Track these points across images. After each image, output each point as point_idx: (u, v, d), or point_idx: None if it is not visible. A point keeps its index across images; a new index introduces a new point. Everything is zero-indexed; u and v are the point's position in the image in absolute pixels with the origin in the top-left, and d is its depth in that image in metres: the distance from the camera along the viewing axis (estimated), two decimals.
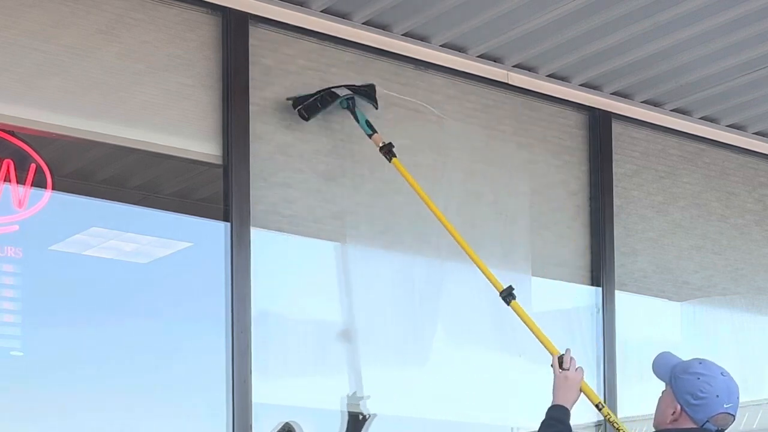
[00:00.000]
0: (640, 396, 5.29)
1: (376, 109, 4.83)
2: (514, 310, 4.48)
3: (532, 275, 5.43)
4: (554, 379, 4.08)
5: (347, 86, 4.77)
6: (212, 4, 4.57)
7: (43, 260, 4.24)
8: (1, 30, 4.15)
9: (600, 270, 5.59)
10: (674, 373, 3.75)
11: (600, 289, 5.59)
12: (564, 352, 4.14)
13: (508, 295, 4.51)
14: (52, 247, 4.28)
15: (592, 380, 5.56)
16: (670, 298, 5.94)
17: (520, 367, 5.37)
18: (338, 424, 4.89)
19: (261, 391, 4.55)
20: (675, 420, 3.71)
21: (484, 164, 5.32)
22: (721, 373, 3.74)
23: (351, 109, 4.74)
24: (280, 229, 4.72)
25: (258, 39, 4.69)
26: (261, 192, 4.65)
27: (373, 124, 4.80)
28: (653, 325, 5.92)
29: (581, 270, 5.59)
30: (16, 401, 4.14)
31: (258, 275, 4.58)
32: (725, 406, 3.69)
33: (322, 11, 4.80)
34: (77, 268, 4.35)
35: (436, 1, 4.74)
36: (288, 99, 4.70)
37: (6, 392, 4.12)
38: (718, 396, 3.68)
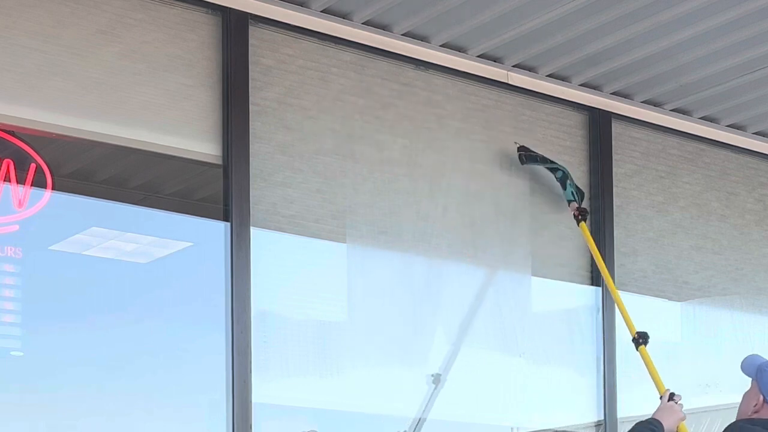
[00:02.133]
0: (640, 396, 5.29)
1: (578, 202, 5.31)
2: (641, 356, 4.89)
3: (532, 275, 5.43)
4: (661, 404, 4.49)
5: (565, 174, 5.29)
6: (212, 4, 4.57)
7: (43, 260, 4.24)
8: (1, 30, 4.15)
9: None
10: (760, 369, 4.11)
11: (600, 289, 5.59)
12: (673, 392, 4.54)
13: (641, 338, 4.94)
14: (52, 247, 4.28)
15: (592, 380, 5.57)
16: (670, 298, 5.94)
17: (520, 367, 5.37)
18: (338, 424, 4.89)
19: (261, 391, 4.55)
20: (757, 411, 4.04)
21: (484, 164, 5.32)
22: None
23: (562, 181, 5.29)
24: (280, 229, 4.72)
25: (258, 39, 4.69)
26: (261, 192, 4.65)
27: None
28: (653, 325, 5.91)
29: (581, 270, 5.59)
30: (16, 401, 4.14)
31: (258, 275, 4.58)
32: None
33: (322, 11, 4.80)
34: (77, 268, 4.35)
35: (436, 1, 4.74)
36: (516, 143, 5.28)
37: (6, 392, 4.12)
38: None
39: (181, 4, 4.52)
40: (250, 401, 4.50)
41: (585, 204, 5.60)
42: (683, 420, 4.43)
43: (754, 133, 6.17)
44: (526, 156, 5.26)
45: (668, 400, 4.48)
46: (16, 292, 4.15)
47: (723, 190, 6.16)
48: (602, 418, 5.55)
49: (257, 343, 4.56)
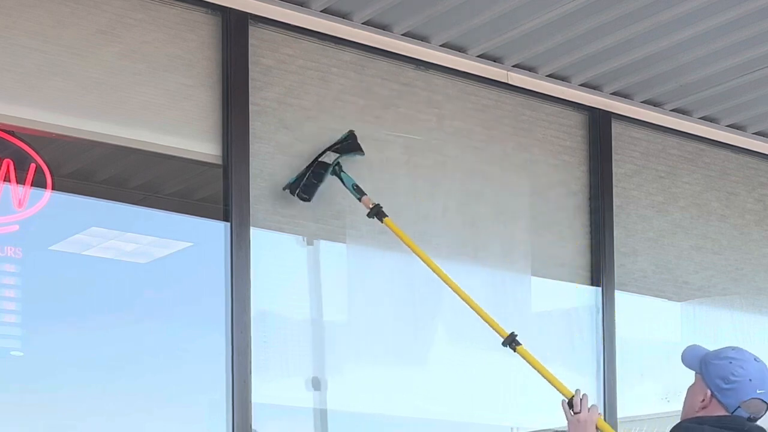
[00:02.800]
0: (640, 396, 5.30)
1: (363, 155, 4.77)
2: (522, 356, 4.47)
3: (532, 275, 5.43)
4: (568, 424, 4.00)
5: (330, 149, 4.69)
6: (212, 4, 4.57)
7: (43, 260, 4.24)
8: (1, 30, 4.15)
9: (600, 270, 5.59)
10: (704, 360, 3.72)
11: (600, 289, 5.59)
12: (574, 393, 4.06)
13: (512, 341, 4.52)
14: (52, 247, 4.28)
15: (592, 380, 5.56)
16: (670, 298, 5.94)
17: (520, 367, 5.37)
18: (338, 424, 4.89)
19: (261, 391, 4.55)
20: (704, 407, 3.64)
21: (484, 164, 5.32)
22: (755, 359, 3.67)
23: (338, 174, 4.67)
24: (280, 229, 4.72)
25: (258, 39, 4.69)
26: (261, 192, 4.65)
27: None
28: (653, 325, 5.92)
29: (581, 270, 5.59)
30: (16, 401, 4.14)
31: (258, 275, 4.58)
32: (758, 391, 3.60)
33: (322, 11, 4.80)
34: (77, 268, 4.35)
35: (436, 1, 4.74)
36: (283, 189, 4.65)
37: (6, 392, 4.12)
38: (750, 380, 3.60)
39: (181, 4, 4.52)
40: (250, 401, 4.50)
41: (585, 204, 5.60)
42: (598, 418, 3.97)
43: (754, 133, 6.17)
44: (304, 189, 4.64)
45: (573, 414, 3.97)
46: (16, 292, 4.15)
47: (723, 190, 6.16)
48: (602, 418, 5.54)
49: (257, 343, 4.56)
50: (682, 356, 3.82)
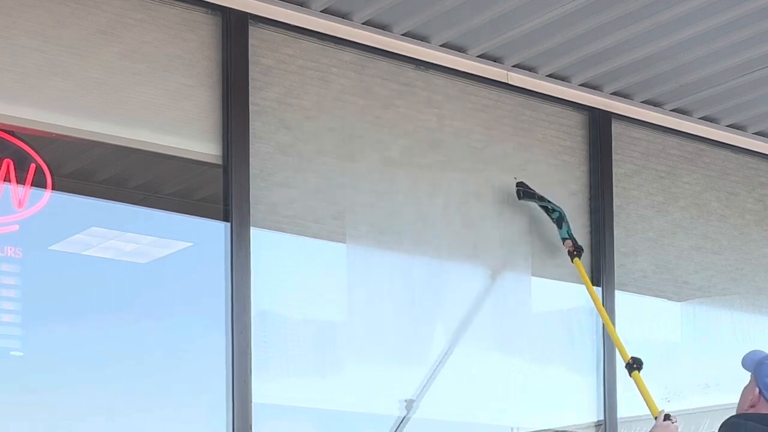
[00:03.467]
0: (640, 396, 5.29)
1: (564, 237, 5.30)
2: (635, 381, 4.89)
3: (532, 275, 5.43)
4: (656, 424, 4.42)
5: (562, 213, 5.30)
6: (212, 4, 4.57)
7: (43, 260, 4.24)
8: (1, 30, 4.15)
9: (600, 270, 5.59)
10: (760, 361, 3.94)
11: (600, 289, 5.58)
12: (669, 413, 4.47)
13: (632, 365, 4.93)
14: (52, 247, 4.28)
15: (592, 380, 5.57)
16: (670, 298, 5.94)
17: (520, 367, 5.37)
18: (338, 424, 4.89)
19: (261, 391, 4.55)
20: (753, 405, 3.87)
21: (484, 164, 5.32)
22: None
23: (558, 221, 5.30)
24: (280, 229, 4.72)
25: (258, 39, 4.69)
26: (261, 192, 4.65)
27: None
28: (653, 325, 5.92)
29: None
30: (16, 401, 4.14)
31: (258, 275, 4.58)
32: None
33: (322, 11, 4.80)
34: (77, 268, 4.35)
35: (436, 1, 4.74)
36: (515, 178, 5.29)
37: (6, 392, 4.12)
38: None
39: (181, 4, 4.52)
40: (250, 401, 4.50)
41: (585, 204, 5.61)
42: None
43: (754, 133, 6.17)
44: (524, 192, 5.29)
45: (663, 420, 4.44)
46: (16, 292, 4.15)
47: (723, 190, 6.16)
48: (602, 418, 5.55)
49: (257, 343, 4.56)
50: (742, 360, 4.05)
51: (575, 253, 5.27)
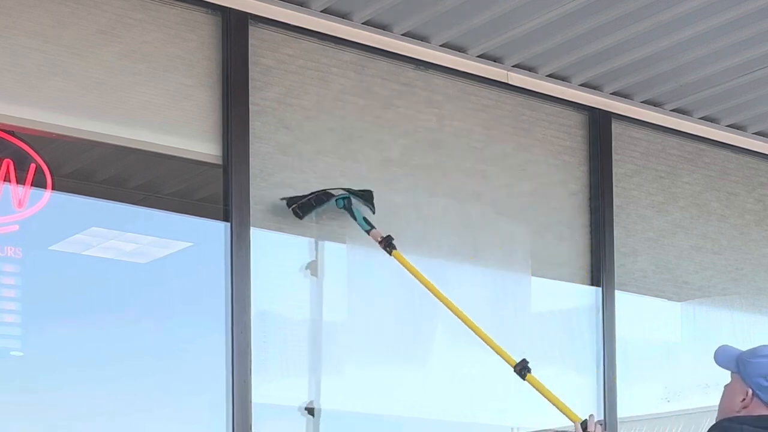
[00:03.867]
0: (640, 396, 5.30)
1: (374, 213, 4.79)
2: (531, 384, 4.49)
3: (532, 275, 5.43)
4: None
5: (342, 188, 4.75)
6: (212, 4, 4.57)
7: (43, 260, 4.24)
8: (1, 30, 4.15)
9: (600, 270, 5.59)
10: (741, 360, 3.69)
11: (600, 289, 5.59)
12: (588, 418, 4.16)
13: (522, 369, 4.52)
14: (52, 247, 4.28)
15: (592, 380, 5.57)
16: (670, 298, 5.94)
17: None
18: (338, 424, 4.89)
19: (261, 391, 4.55)
20: (745, 407, 3.62)
21: (484, 164, 5.32)
22: None
23: (347, 207, 4.70)
24: (280, 229, 4.72)
25: (258, 39, 4.69)
26: (261, 192, 4.65)
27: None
28: (653, 325, 5.92)
29: (581, 270, 5.59)
30: (16, 401, 4.14)
31: (258, 275, 4.58)
32: None
33: (322, 11, 4.80)
34: (77, 268, 4.35)
35: (436, 1, 4.74)
36: (282, 199, 4.68)
37: (6, 392, 4.12)
38: None
39: (181, 4, 4.52)
40: (250, 401, 4.50)
41: (585, 204, 5.60)
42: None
43: (754, 133, 6.17)
44: (300, 207, 4.66)
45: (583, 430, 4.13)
46: (16, 292, 4.15)
47: (723, 190, 6.16)
48: (602, 418, 5.54)
49: (257, 343, 4.56)
50: (714, 356, 3.81)
51: (386, 246, 4.67)
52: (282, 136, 4.74)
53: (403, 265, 4.66)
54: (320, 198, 4.67)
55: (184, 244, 4.62)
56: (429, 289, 4.65)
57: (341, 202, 4.69)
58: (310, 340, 4.83)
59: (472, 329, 4.59)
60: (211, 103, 4.59)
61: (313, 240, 4.80)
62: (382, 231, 4.69)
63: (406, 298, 5.05)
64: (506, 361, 4.52)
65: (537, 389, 4.46)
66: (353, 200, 4.71)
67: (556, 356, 5.51)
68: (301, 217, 4.67)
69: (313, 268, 4.86)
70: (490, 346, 4.55)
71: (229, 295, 4.51)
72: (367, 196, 4.78)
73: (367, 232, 4.69)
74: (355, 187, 4.83)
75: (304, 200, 4.65)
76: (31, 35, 4.21)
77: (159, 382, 4.45)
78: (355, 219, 4.70)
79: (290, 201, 4.66)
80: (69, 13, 4.29)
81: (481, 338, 4.57)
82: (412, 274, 4.67)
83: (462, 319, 4.60)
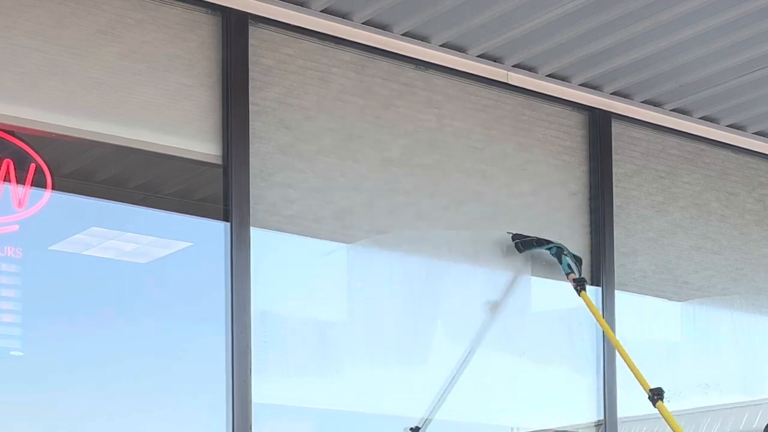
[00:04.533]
0: (640, 396, 5.29)
1: (579, 276, 5.30)
2: (660, 411, 4.86)
3: (532, 275, 5.43)
4: None
5: (561, 246, 5.32)
6: (212, 4, 4.57)
7: (43, 260, 4.24)
8: (1, 30, 4.15)
9: (600, 270, 5.59)
10: None
11: (600, 289, 5.59)
12: None
13: (656, 395, 4.88)
14: (52, 247, 4.28)
15: (592, 380, 5.57)
16: (670, 298, 5.94)
17: (520, 367, 5.37)
18: (338, 424, 4.89)
19: (261, 391, 4.55)
20: None
21: (484, 164, 5.32)
22: None
23: (558, 255, 5.29)
24: (280, 229, 4.72)
25: (258, 39, 4.69)
26: (261, 192, 4.65)
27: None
28: (653, 325, 5.92)
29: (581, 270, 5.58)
30: (16, 401, 4.14)
31: (258, 275, 4.58)
32: None
33: (322, 11, 4.80)
34: (77, 268, 4.35)
35: (436, 1, 4.74)
36: (508, 232, 5.26)
37: (6, 392, 4.12)
38: None
39: (181, 4, 4.52)
40: (250, 401, 4.50)
41: (585, 204, 5.61)
42: None
43: (754, 133, 6.17)
44: (522, 243, 5.28)
45: None
46: (16, 292, 4.15)
47: (723, 190, 6.16)
48: (602, 418, 5.55)
49: (257, 343, 4.56)
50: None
51: (579, 287, 5.24)
52: (282, 136, 4.74)
53: (588, 308, 5.23)
54: (541, 241, 5.31)
55: (184, 244, 4.62)
56: (606, 332, 5.25)
57: (554, 250, 5.30)
58: (310, 340, 4.83)
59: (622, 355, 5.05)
60: (211, 103, 4.59)
61: (313, 240, 4.79)
62: (575, 274, 5.29)
63: (406, 298, 5.05)
64: (642, 385, 4.96)
65: (664, 417, 4.79)
66: (565, 251, 5.31)
67: (556, 356, 5.51)
68: (521, 251, 5.28)
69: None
70: (633, 371, 5.00)
71: (229, 295, 4.51)
72: (578, 261, 5.38)
73: (566, 275, 5.28)
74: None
75: (528, 239, 5.29)
76: (31, 35, 4.21)
77: (159, 382, 4.45)
78: (560, 263, 5.29)
79: (515, 236, 5.28)
80: (69, 13, 4.29)
81: (627, 364, 5.04)
82: (595, 317, 5.25)
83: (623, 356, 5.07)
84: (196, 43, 4.56)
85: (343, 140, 4.91)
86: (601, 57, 5.26)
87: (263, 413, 4.56)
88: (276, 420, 4.70)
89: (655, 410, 5.01)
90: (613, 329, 5.59)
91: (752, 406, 6.26)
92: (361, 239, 4.92)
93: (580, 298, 5.21)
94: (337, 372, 4.90)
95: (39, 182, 4.17)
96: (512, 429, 5.38)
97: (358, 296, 4.93)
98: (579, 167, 5.63)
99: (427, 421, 5.07)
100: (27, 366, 4.18)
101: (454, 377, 5.16)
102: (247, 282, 4.54)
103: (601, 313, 5.44)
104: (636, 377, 4.91)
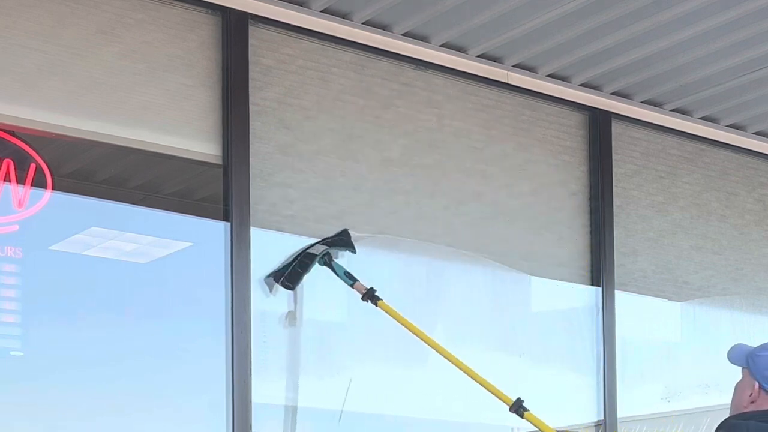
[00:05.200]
0: (640, 396, 5.30)
1: (354, 253, 4.78)
2: (530, 421, 4.51)
3: (532, 275, 5.43)
4: None
5: (321, 241, 4.71)
6: (212, 4, 4.57)
7: (43, 260, 4.24)
8: (1, 30, 4.15)
9: (600, 270, 5.59)
10: (751, 354, 3.68)
11: (600, 289, 5.59)
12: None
13: (519, 407, 4.54)
14: (52, 247, 4.28)
15: (592, 380, 5.57)
16: (670, 298, 5.94)
17: (520, 367, 5.37)
18: (339, 424, 4.89)
19: (261, 391, 4.55)
20: (753, 401, 3.59)
21: (484, 164, 5.32)
22: None
23: (329, 264, 4.67)
24: (280, 229, 4.72)
25: (258, 39, 4.69)
26: (261, 192, 4.65)
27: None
28: (653, 325, 5.92)
29: (581, 270, 5.59)
30: (16, 401, 4.14)
31: (258, 275, 4.58)
32: None
33: (322, 11, 4.80)
34: (77, 268, 4.35)
35: (436, 1, 4.74)
36: (267, 277, 4.62)
37: (6, 392, 4.12)
38: None
39: (181, 4, 4.52)
40: (250, 401, 4.50)
41: (585, 204, 5.61)
42: None
43: (754, 133, 6.17)
44: (287, 278, 4.62)
45: None
46: (16, 292, 4.15)
47: (723, 190, 6.16)
48: (602, 418, 5.55)
49: (257, 343, 4.56)
50: (728, 354, 3.77)
51: (369, 298, 4.66)
52: (282, 136, 4.74)
53: (390, 315, 4.64)
54: (304, 263, 4.63)
55: (184, 244, 4.62)
56: (417, 335, 4.64)
57: (322, 261, 4.66)
58: (310, 340, 4.83)
59: (465, 371, 4.61)
60: (211, 103, 4.59)
61: (313, 240, 4.79)
62: (364, 283, 4.68)
63: (406, 298, 5.05)
64: (502, 400, 4.56)
65: (537, 426, 4.48)
66: (332, 252, 4.68)
67: (556, 356, 5.51)
68: (292, 288, 4.66)
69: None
70: (485, 387, 4.58)
71: (229, 295, 4.51)
72: (344, 240, 4.75)
73: (351, 286, 4.66)
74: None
75: (289, 270, 4.61)
76: (31, 35, 4.21)
77: (159, 382, 4.45)
78: (337, 275, 4.67)
79: (276, 275, 4.62)
80: (69, 13, 4.29)
81: (475, 380, 4.59)
82: (401, 322, 4.65)
83: (455, 363, 4.62)
84: (196, 43, 4.56)
85: (343, 140, 4.91)
86: (601, 57, 5.26)
87: (263, 413, 4.56)
88: (276, 420, 4.70)
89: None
90: (613, 329, 5.59)
91: None
92: (361, 239, 4.91)
93: (380, 308, 4.67)
94: (337, 372, 4.90)
95: (39, 182, 4.18)
96: (512, 429, 5.38)
97: (358, 296, 4.93)
98: (579, 167, 5.63)
99: (426, 421, 5.07)
100: (27, 366, 4.18)
101: (452, 377, 5.16)
102: (247, 282, 4.54)
103: (601, 317, 5.43)
104: (492, 392, 4.62)
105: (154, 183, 4.59)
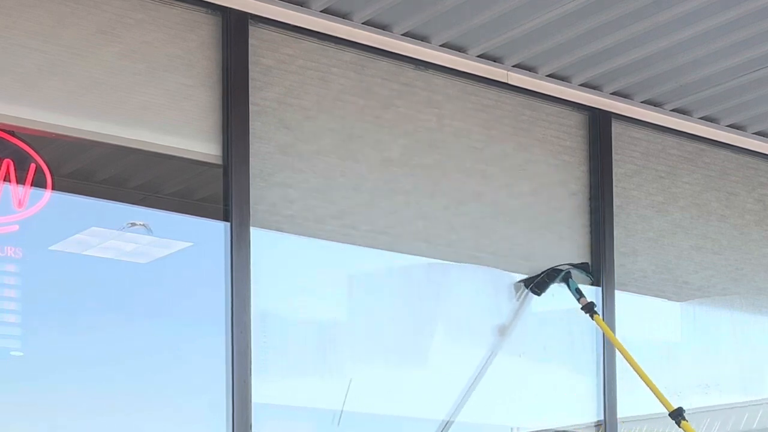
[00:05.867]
0: (640, 396, 5.29)
1: (591, 283, 5.50)
2: (685, 431, 5.00)
3: (532, 275, 5.43)
4: None
5: (568, 264, 5.41)
6: (212, 4, 4.57)
7: (43, 260, 4.24)
8: (1, 30, 4.15)
9: (600, 270, 5.59)
10: None
11: (600, 289, 5.59)
12: None
13: (678, 416, 5.02)
14: (52, 247, 4.28)
15: (592, 380, 5.56)
16: (670, 298, 5.94)
17: (520, 367, 5.37)
18: (339, 424, 4.89)
19: (261, 391, 4.55)
20: None
21: (484, 164, 5.32)
22: None
23: (566, 281, 5.35)
24: (280, 229, 4.72)
25: (258, 39, 4.69)
26: (261, 192, 4.65)
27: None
28: (653, 325, 5.92)
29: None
30: (16, 401, 4.14)
31: (258, 275, 4.58)
32: None
33: (322, 11, 4.80)
34: (77, 268, 4.35)
35: (436, 1, 4.74)
36: (519, 281, 5.33)
37: (6, 392, 4.12)
38: None
39: (181, 4, 4.52)
40: (250, 401, 4.50)
41: (585, 204, 5.61)
42: None
43: (754, 133, 6.17)
44: (537, 285, 5.35)
45: None
46: (16, 292, 4.15)
47: (723, 190, 6.16)
48: (602, 418, 5.55)
49: (257, 343, 4.56)
50: None
51: (588, 312, 5.29)
52: (282, 136, 4.74)
53: (602, 329, 5.35)
54: (551, 275, 5.35)
55: (184, 244, 4.62)
56: (622, 353, 5.25)
57: (562, 277, 5.36)
58: (311, 340, 4.83)
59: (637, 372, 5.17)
60: (211, 103, 4.59)
61: (313, 240, 4.79)
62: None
63: (407, 298, 5.05)
64: (665, 406, 5.08)
65: None
66: (572, 273, 5.38)
67: (556, 356, 5.51)
68: (539, 294, 5.34)
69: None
70: (653, 391, 5.14)
71: (229, 295, 4.51)
72: (585, 268, 5.48)
73: (578, 300, 5.33)
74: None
75: (538, 279, 5.33)
76: (31, 35, 4.21)
77: (159, 382, 4.45)
78: (569, 289, 5.35)
79: (526, 282, 5.34)
80: (69, 13, 4.29)
81: (647, 384, 5.16)
82: (609, 337, 5.35)
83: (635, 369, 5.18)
84: (196, 43, 4.56)
85: (343, 140, 4.91)
86: (601, 57, 5.26)
87: (263, 413, 4.56)
88: (276, 420, 4.70)
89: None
90: (613, 330, 5.59)
91: (752, 406, 6.26)
92: (361, 239, 4.92)
93: (595, 322, 5.30)
94: (338, 372, 4.90)
95: (39, 182, 4.17)
96: (512, 429, 5.38)
97: (358, 296, 4.93)
98: (579, 167, 5.63)
99: (426, 420, 5.08)
100: (27, 366, 4.18)
101: (454, 377, 5.16)
102: (247, 282, 4.54)
103: (601, 316, 5.44)
104: (657, 398, 5.06)
105: (154, 183, 4.59)
